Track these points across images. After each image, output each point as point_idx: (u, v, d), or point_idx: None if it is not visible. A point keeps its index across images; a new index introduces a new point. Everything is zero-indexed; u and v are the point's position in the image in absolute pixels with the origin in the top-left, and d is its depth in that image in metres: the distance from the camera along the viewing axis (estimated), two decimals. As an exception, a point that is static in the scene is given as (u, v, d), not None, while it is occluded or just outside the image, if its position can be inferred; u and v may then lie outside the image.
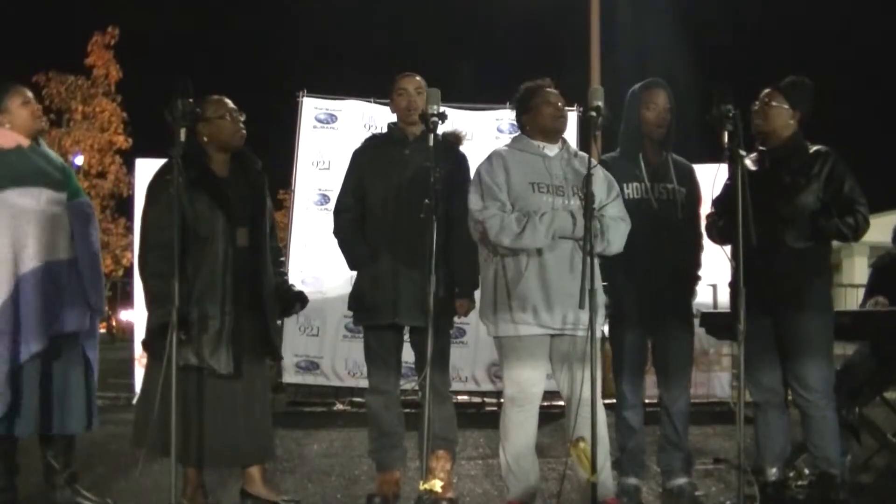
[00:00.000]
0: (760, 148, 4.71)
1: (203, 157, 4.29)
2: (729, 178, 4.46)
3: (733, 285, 4.18)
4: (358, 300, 4.71)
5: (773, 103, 4.61)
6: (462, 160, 4.79)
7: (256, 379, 4.34)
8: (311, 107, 8.82)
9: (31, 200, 4.25)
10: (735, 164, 3.97)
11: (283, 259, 4.68)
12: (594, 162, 4.08)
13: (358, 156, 4.90)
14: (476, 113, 8.74)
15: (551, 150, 4.29)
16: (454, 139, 4.81)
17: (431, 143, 3.95)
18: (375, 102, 8.70)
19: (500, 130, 8.61)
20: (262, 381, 4.42)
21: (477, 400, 8.90)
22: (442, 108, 4.00)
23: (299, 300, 4.69)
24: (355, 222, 4.74)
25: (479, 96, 9.05)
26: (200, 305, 4.13)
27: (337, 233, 4.81)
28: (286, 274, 4.69)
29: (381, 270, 4.58)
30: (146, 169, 8.51)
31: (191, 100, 3.78)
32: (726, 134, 3.95)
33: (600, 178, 4.22)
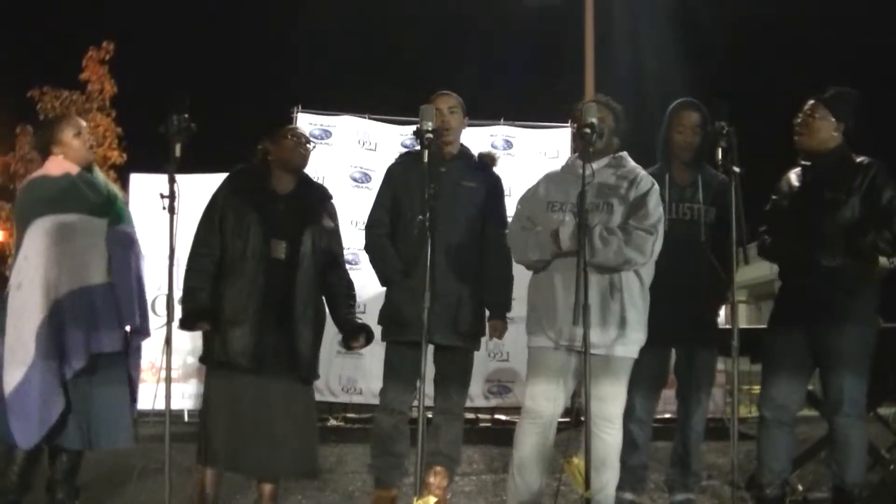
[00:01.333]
0: (804, 163, 4.65)
1: (265, 172, 4.53)
2: (774, 194, 4.46)
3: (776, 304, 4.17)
4: (392, 316, 4.68)
5: (817, 115, 4.55)
6: (497, 182, 4.84)
7: (288, 392, 4.39)
8: (306, 122, 8.84)
9: (69, 226, 4.38)
10: (730, 180, 3.99)
11: (353, 292, 4.65)
12: (588, 177, 4.03)
13: (392, 171, 4.91)
14: (471, 129, 8.74)
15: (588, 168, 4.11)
16: (489, 160, 4.86)
17: (425, 158, 3.96)
18: (370, 118, 8.72)
19: (494, 147, 8.63)
20: (296, 395, 4.45)
21: (471, 416, 8.89)
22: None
23: (363, 332, 4.59)
24: (387, 238, 4.74)
25: (474, 112, 9.06)
26: (229, 306, 4.29)
27: (369, 248, 4.82)
28: (354, 306, 4.64)
29: (416, 286, 4.37)
30: (141, 184, 8.52)
31: (186, 115, 3.81)
32: (720, 150, 3.96)
33: (650, 195, 4.15)
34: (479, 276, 4.68)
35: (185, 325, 4.33)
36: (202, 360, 4.50)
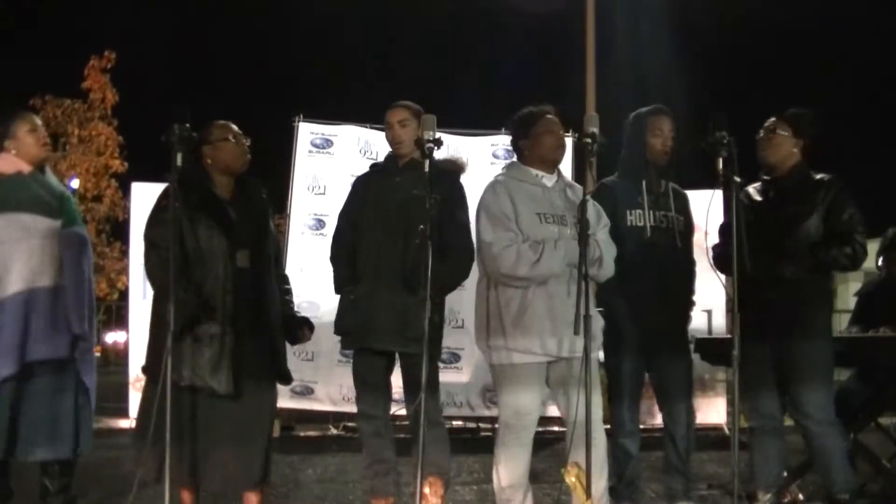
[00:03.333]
0: (765, 177, 4.73)
1: (206, 180, 4.32)
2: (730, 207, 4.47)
3: (731, 312, 4.19)
4: (339, 324, 4.72)
5: (778, 132, 4.63)
6: (458, 188, 4.79)
7: (257, 402, 4.28)
8: (307, 131, 8.82)
9: (20, 227, 4.28)
10: (730, 190, 3.99)
11: (288, 287, 4.67)
12: (588, 192, 4.10)
13: (356, 184, 4.96)
14: (471, 138, 8.77)
15: (549, 179, 4.30)
16: (451, 166, 4.81)
17: (427, 168, 3.95)
18: (371, 127, 8.72)
19: (495, 156, 8.62)
20: (262, 405, 4.34)
21: (472, 425, 8.88)
22: (437, 134, 4.00)
23: (306, 325, 4.63)
24: (346, 248, 4.76)
25: (474, 122, 9.08)
26: (202, 323, 4.10)
27: (330, 258, 4.85)
28: (292, 301, 4.66)
29: (359, 294, 4.59)
30: (142, 193, 8.52)
31: (188, 125, 3.81)
32: (721, 161, 3.97)
33: (590, 206, 4.21)
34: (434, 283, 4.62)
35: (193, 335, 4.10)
36: (146, 372, 4.20)
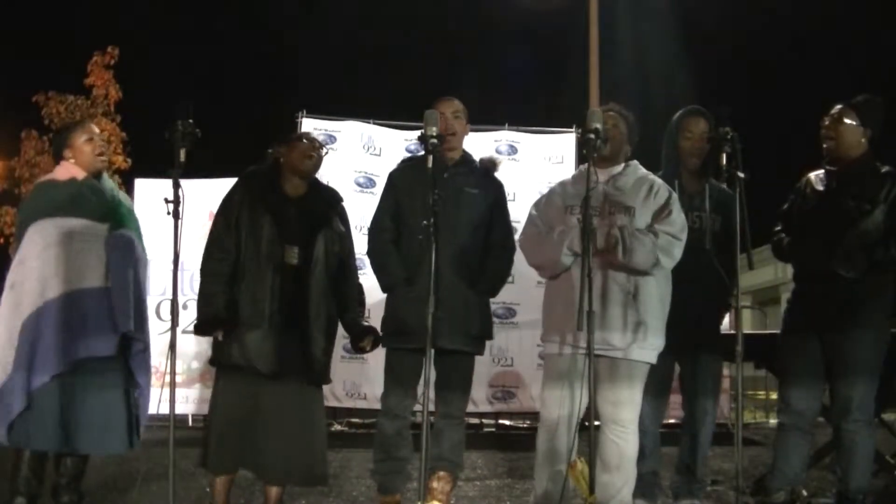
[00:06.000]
0: (829, 168, 4.64)
1: (276, 176, 4.49)
2: (793, 194, 4.47)
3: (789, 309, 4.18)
4: (395, 323, 4.65)
5: (845, 120, 4.53)
6: (500, 188, 4.86)
7: (302, 395, 4.38)
8: (311, 127, 8.81)
9: (66, 230, 4.39)
10: (734, 186, 3.99)
11: (362, 296, 4.67)
12: (594, 182, 4.06)
13: (394, 177, 4.90)
14: (475, 134, 8.74)
15: (602, 174, 4.27)
16: (490, 165, 4.85)
17: (430, 164, 3.95)
18: (375, 123, 8.72)
19: (498, 151, 8.62)
20: (309, 400, 4.44)
21: (475, 421, 8.88)
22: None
23: (369, 334, 4.60)
24: (392, 244, 4.73)
25: (478, 117, 9.06)
26: (246, 311, 4.27)
27: (372, 252, 4.79)
28: (362, 309, 4.67)
29: (419, 294, 4.31)
30: (145, 189, 8.52)
31: (191, 121, 3.83)
32: (724, 156, 3.96)
33: (658, 198, 4.23)
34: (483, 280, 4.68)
35: (201, 330, 4.33)
36: (212, 362, 4.46)
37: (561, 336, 4.15)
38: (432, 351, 3.86)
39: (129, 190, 8.87)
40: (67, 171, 4.57)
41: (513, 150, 8.98)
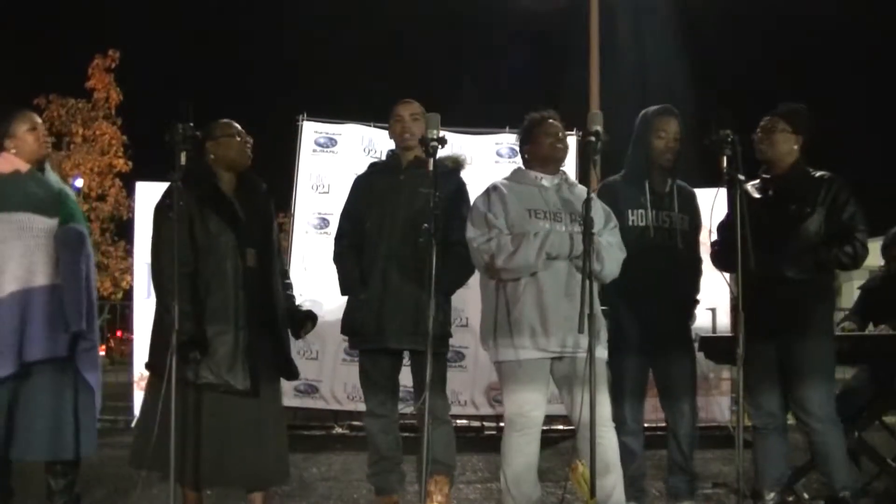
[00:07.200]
0: (764, 175, 4.71)
1: (212, 177, 4.30)
2: (728, 207, 4.47)
3: (735, 310, 4.18)
4: (348, 325, 4.71)
5: (778, 129, 4.60)
6: (461, 186, 4.79)
7: (271, 399, 4.30)
8: (311, 130, 8.83)
9: (15, 226, 4.26)
10: (734, 188, 3.99)
11: (289, 281, 4.67)
12: (593, 190, 4.10)
13: (358, 182, 4.93)
14: (476, 137, 8.76)
15: (549, 180, 4.30)
16: (453, 164, 4.80)
17: (432, 167, 3.96)
18: (375, 126, 8.72)
19: (499, 155, 8.63)
20: (276, 402, 4.39)
21: (476, 424, 8.88)
22: (441, 133, 4.00)
23: (310, 319, 4.62)
24: (352, 248, 4.74)
25: (478, 120, 9.08)
26: (214, 323, 4.10)
27: (334, 258, 4.83)
28: (293, 295, 4.67)
29: (369, 295, 4.57)
30: (146, 192, 8.53)
31: (191, 124, 3.81)
32: (725, 158, 3.96)
33: (598, 207, 4.21)
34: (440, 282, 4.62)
35: (180, 356, 3.93)
36: (151, 367, 4.19)
37: (532, 340, 4.08)
38: (431, 354, 3.85)
39: (130, 193, 8.87)
40: (10, 163, 4.36)
41: (514, 153, 8.97)
